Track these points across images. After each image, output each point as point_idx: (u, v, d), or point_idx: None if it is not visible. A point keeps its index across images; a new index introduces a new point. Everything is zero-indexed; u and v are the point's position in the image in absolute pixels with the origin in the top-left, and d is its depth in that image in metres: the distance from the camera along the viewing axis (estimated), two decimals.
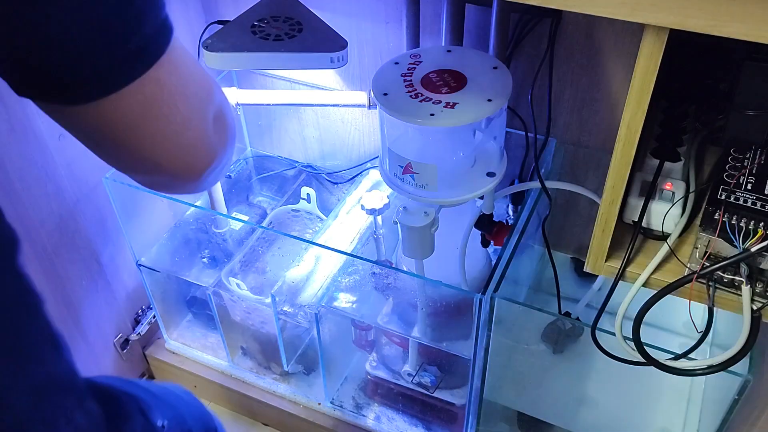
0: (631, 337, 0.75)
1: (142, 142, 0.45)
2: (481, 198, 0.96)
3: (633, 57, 0.60)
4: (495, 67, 0.89)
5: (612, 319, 0.78)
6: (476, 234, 1.02)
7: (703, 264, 0.70)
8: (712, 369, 0.75)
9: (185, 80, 0.47)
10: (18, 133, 0.98)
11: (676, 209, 0.76)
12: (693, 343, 0.77)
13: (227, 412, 1.38)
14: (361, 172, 1.33)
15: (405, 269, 1.03)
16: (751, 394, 0.86)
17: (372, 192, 1.10)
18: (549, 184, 0.97)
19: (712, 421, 0.92)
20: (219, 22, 1.05)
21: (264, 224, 1.34)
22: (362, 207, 1.08)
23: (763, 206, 0.69)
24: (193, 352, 1.37)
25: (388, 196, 1.08)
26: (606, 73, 1.02)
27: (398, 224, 0.90)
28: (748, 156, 0.77)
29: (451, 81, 0.87)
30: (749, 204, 0.70)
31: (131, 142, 0.45)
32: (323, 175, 1.42)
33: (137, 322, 1.38)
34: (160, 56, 0.45)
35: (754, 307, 0.70)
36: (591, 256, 0.78)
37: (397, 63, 0.90)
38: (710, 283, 0.71)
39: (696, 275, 0.69)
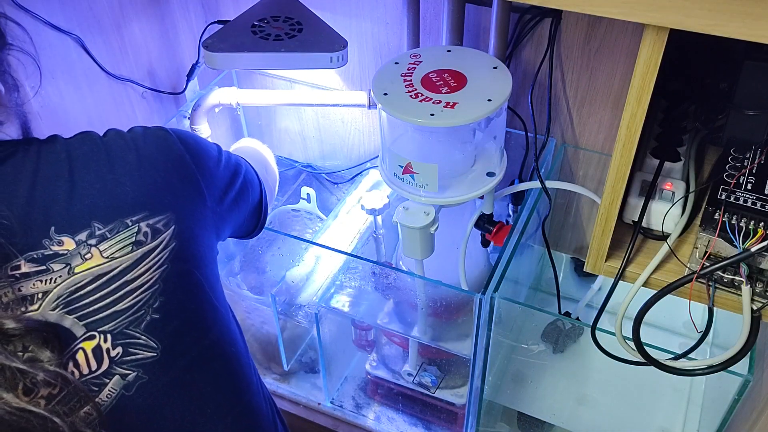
0: (631, 337, 0.75)
1: None
2: (481, 198, 0.96)
3: (633, 57, 0.60)
4: (495, 67, 0.89)
5: (612, 319, 0.78)
6: (476, 234, 1.02)
7: (703, 264, 0.70)
8: (712, 369, 0.75)
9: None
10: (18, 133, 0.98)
11: (676, 209, 0.76)
12: (693, 343, 0.77)
13: None
14: (361, 172, 1.33)
15: (405, 269, 1.03)
16: (751, 394, 0.86)
17: (372, 192, 1.10)
18: (549, 184, 0.97)
19: (712, 421, 0.92)
20: (219, 22, 1.05)
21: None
22: (362, 207, 1.08)
23: (763, 206, 0.69)
24: None
25: (388, 196, 1.08)
26: (606, 73, 1.02)
27: (398, 224, 0.90)
28: (748, 156, 0.77)
29: (451, 81, 0.87)
30: (749, 204, 0.70)
31: None
32: (323, 175, 1.42)
33: None
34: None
35: (754, 307, 0.70)
36: (591, 256, 0.78)
37: (397, 63, 0.90)
38: (710, 283, 0.71)
39: (696, 275, 0.69)
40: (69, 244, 0.59)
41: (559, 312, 1.12)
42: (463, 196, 0.90)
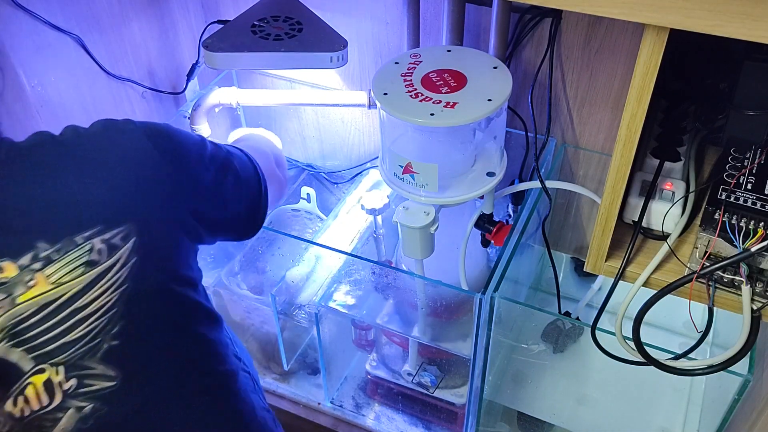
0: (631, 336, 0.75)
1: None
2: (481, 198, 0.96)
3: (633, 57, 0.60)
4: (495, 67, 0.89)
5: (612, 319, 0.78)
6: (476, 234, 1.02)
7: (703, 264, 0.70)
8: (712, 369, 0.75)
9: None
10: (18, 133, 0.98)
11: (676, 209, 0.76)
12: (693, 343, 0.77)
13: None
14: (361, 172, 1.33)
15: (405, 269, 1.03)
16: (751, 394, 0.86)
17: (372, 192, 1.10)
18: (549, 184, 0.97)
19: (712, 421, 0.92)
20: (219, 21, 1.05)
21: (264, 224, 1.34)
22: (362, 207, 1.08)
23: (763, 206, 0.69)
24: None
25: (388, 196, 1.08)
26: (606, 73, 1.02)
27: (398, 224, 0.90)
28: (748, 156, 0.77)
29: (451, 81, 0.87)
30: (749, 204, 0.70)
31: None
32: (323, 174, 1.42)
33: None
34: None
35: (754, 307, 0.70)
36: (591, 256, 0.78)
37: (397, 63, 0.90)
38: (710, 283, 0.71)
39: (696, 275, 0.69)
40: (10, 270, 0.53)
41: (559, 312, 1.12)
42: (463, 196, 0.90)
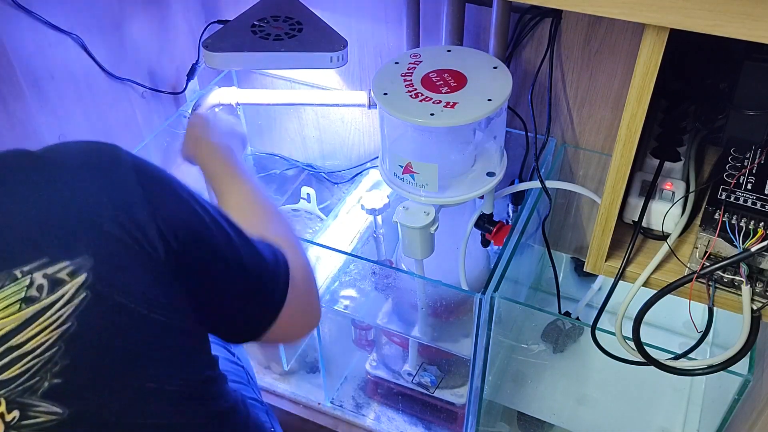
0: (631, 336, 0.75)
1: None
2: (481, 198, 0.96)
3: (633, 57, 0.60)
4: (495, 67, 0.89)
5: (612, 319, 0.78)
6: (476, 234, 1.02)
7: (703, 264, 0.70)
8: (712, 369, 0.75)
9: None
10: (18, 133, 0.98)
11: (676, 209, 0.76)
12: (693, 343, 0.77)
13: None
14: (361, 172, 1.33)
15: (405, 269, 1.03)
16: (751, 394, 0.86)
17: (372, 192, 1.10)
18: (549, 184, 0.97)
19: (712, 421, 0.92)
20: (219, 21, 1.05)
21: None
22: (362, 207, 1.08)
23: (763, 206, 0.69)
24: None
25: (388, 196, 1.08)
26: (606, 73, 1.02)
27: (398, 224, 0.90)
28: (748, 156, 0.77)
29: (451, 81, 0.87)
30: (749, 204, 0.70)
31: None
32: (323, 174, 1.42)
33: None
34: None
35: (754, 307, 0.70)
36: (591, 256, 0.78)
37: (397, 63, 0.90)
38: (710, 283, 0.71)
39: (696, 275, 0.69)
40: None
41: (559, 312, 1.12)
42: (463, 196, 0.90)
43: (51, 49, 1.00)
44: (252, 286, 0.60)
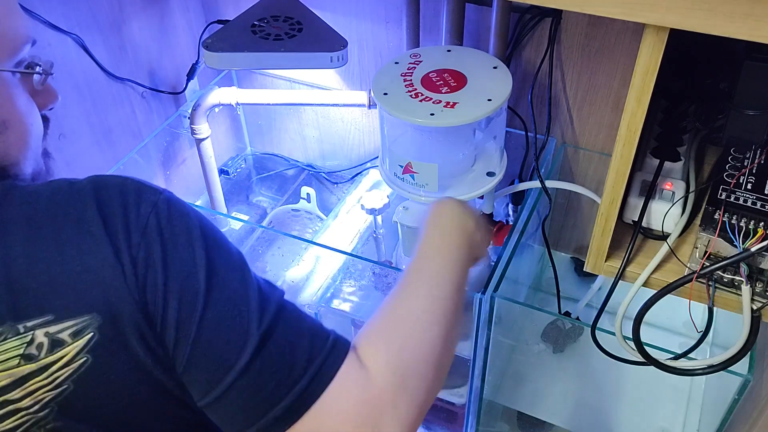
0: (631, 336, 0.75)
1: None
2: (481, 198, 0.96)
3: (633, 57, 0.60)
4: (495, 67, 0.89)
5: (612, 319, 0.78)
6: None
7: (703, 264, 0.70)
8: (712, 369, 0.75)
9: None
10: None
11: (676, 209, 0.76)
12: (693, 343, 0.77)
13: None
14: (361, 172, 1.33)
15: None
16: (751, 394, 0.85)
17: (372, 192, 1.10)
18: (549, 184, 0.97)
19: (712, 421, 0.92)
20: (219, 21, 1.05)
21: (264, 224, 1.34)
22: (362, 207, 1.08)
23: (763, 206, 0.69)
24: None
25: (388, 196, 1.08)
26: (606, 73, 1.02)
27: (398, 224, 0.90)
28: (748, 156, 0.77)
29: (451, 81, 0.87)
30: (749, 204, 0.70)
31: None
32: (323, 174, 1.42)
33: None
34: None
35: (754, 307, 0.70)
36: (591, 256, 0.78)
37: (397, 63, 0.90)
38: (710, 283, 0.71)
39: (696, 275, 0.69)
40: None
41: (559, 312, 1.12)
42: (463, 196, 0.90)
43: (51, 49, 1.00)
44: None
